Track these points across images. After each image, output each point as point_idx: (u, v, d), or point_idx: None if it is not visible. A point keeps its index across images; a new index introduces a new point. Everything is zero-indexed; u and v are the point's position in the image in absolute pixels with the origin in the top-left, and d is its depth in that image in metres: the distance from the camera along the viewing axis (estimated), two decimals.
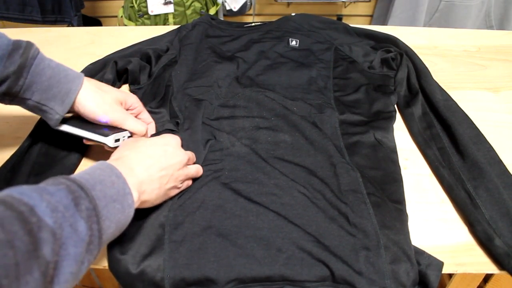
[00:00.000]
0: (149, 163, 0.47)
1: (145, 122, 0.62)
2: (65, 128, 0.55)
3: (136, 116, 0.60)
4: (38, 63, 0.51)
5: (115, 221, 0.40)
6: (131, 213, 0.42)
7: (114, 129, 0.56)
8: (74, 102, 0.53)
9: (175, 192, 0.52)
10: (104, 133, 0.54)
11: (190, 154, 0.54)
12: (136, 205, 0.43)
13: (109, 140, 0.53)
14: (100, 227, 0.37)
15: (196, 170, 0.54)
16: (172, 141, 0.53)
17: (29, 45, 0.51)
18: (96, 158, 0.59)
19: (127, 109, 0.59)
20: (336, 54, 0.76)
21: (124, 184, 0.42)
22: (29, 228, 0.31)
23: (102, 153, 0.58)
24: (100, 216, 0.37)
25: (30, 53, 0.50)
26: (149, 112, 0.64)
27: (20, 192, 0.33)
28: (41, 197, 0.34)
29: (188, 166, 0.53)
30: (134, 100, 0.60)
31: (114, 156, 0.48)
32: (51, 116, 0.53)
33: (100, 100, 0.55)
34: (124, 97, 0.59)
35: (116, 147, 0.53)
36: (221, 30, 0.81)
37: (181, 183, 0.52)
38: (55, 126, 0.54)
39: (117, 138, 0.55)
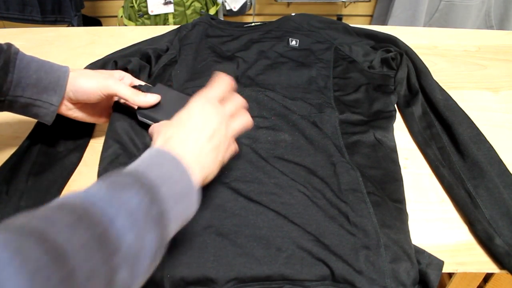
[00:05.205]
0: (195, 136, 0.42)
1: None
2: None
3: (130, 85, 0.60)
4: (21, 57, 0.52)
5: (180, 221, 0.38)
6: (193, 212, 0.40)
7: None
8: (66, 90, 0.53)
9: (232, 150, 0.48)
10: None
11: (229, 105, 0.47)
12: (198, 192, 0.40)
13: None
14: (167, 232, 0.35)
15: (242, 124, 0.48)
16: (205, 103, 0.46)
17: (8, 44, 0.52)
18: (96, 159, 0.59)
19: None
20: (336, 53, 0.76)
21: (189, 181, 0.39)
22: (109, 252, 0.29)
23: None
24: (168, 220, 0.35)
25: (12, 50, 0.52)
26: None
27: (93, 202, 0.31)
28: (118, 208, 0.31)
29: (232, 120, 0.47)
30: (118, 73, 0.60)
31: (160, 138, 0.43)
32: (46, 110, 0.53)
33: (92, 76, 0.55)
34: (110, 74, 0.59)
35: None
36: (221, 30, 0.81)
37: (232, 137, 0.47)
38: (51, 121, 0.55)
39: None
